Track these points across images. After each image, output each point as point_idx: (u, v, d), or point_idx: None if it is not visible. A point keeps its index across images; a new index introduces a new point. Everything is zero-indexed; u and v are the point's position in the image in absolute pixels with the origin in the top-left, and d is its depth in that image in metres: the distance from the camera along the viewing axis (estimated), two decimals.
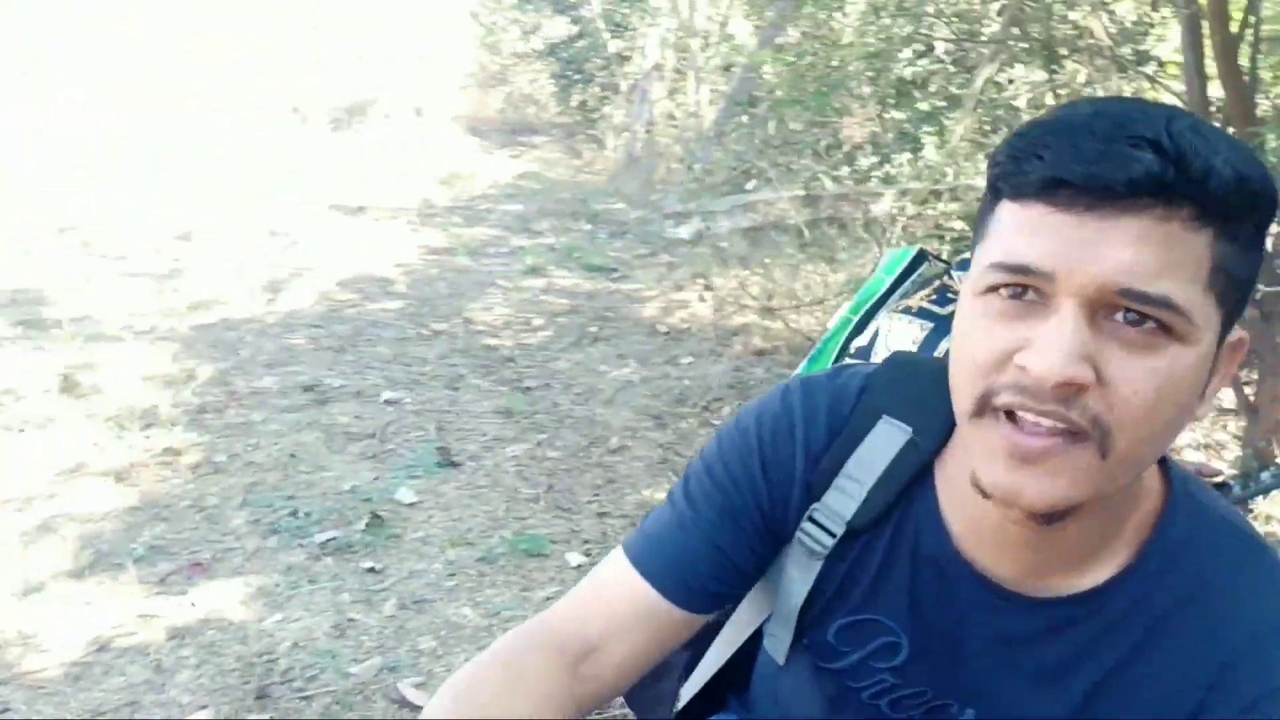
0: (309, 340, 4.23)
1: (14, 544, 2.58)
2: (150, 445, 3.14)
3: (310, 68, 10.01)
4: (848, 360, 1.46)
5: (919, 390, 0.79)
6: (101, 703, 2.06)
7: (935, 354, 1.28)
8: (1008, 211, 0.64)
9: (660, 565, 0.83)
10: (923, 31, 4.56)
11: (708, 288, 5.07)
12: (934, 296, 1.62)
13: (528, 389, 3.87)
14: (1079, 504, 0.65)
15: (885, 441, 0.79)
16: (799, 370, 1.36)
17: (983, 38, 4.55)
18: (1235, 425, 3.47)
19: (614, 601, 0.84)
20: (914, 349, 1.26)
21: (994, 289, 0.64)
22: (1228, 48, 2.70)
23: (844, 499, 0.80)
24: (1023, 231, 0.63)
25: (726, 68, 8.23)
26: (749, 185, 5.59)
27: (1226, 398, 3.22)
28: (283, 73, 9.65)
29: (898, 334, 1.55)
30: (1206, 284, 0.62)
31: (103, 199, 6.30)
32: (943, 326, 1.59)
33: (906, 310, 1.59)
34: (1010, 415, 0.64)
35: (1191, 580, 0.73)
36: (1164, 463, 0.77)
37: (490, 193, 7.79)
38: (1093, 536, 0.73)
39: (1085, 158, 0.60)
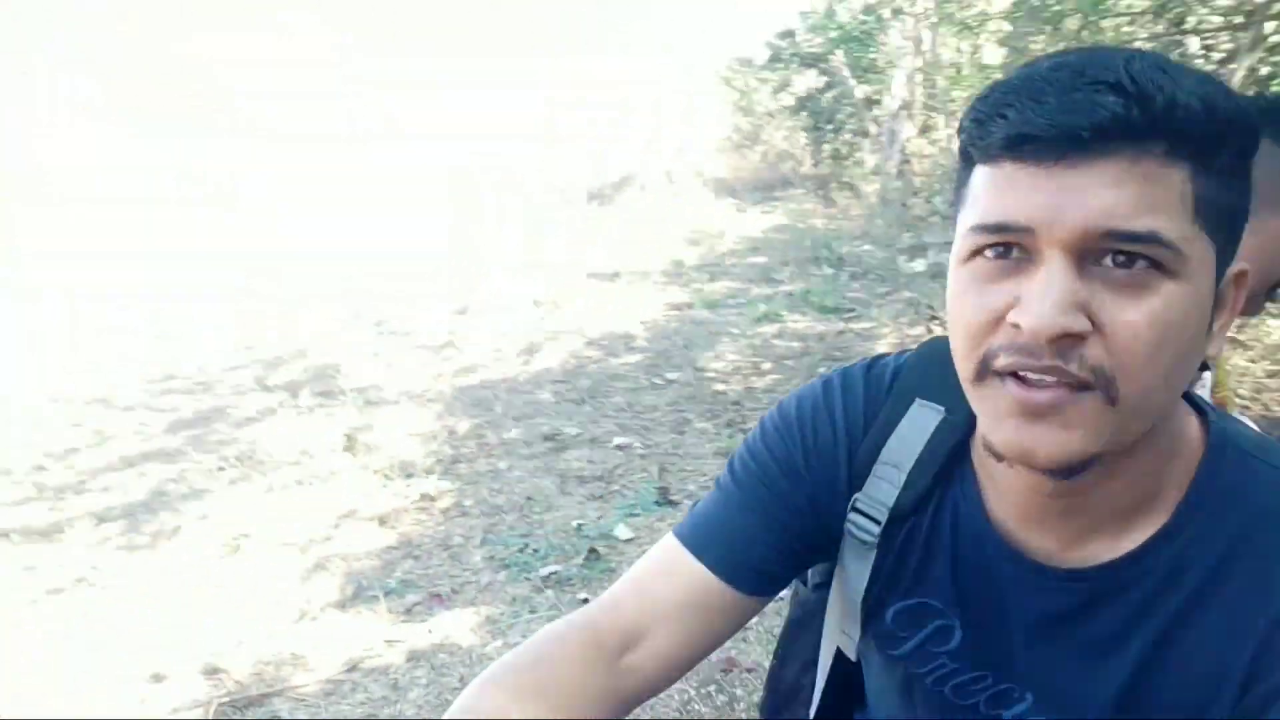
0: (554, 395, 4.55)
1: (294, 579, 2.99)
2: (410, 493, 3.51)
3: (572, 146, 10.78)
4: None
5: (950, 371, 0.74)
6: (346, 715, 2.34)
7: None
8: (980, 175, 0.65)
9: (707, 541, 0.84)
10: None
11: (934, 318, 4.91)
12: None
13: (748, 431, 3.91)
14: (1094, 456, 0.63)
15: (920, 424, 0.79)
16: None
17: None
18: None
19: (661, 586, 0.84)
20: None
21: (977, 252, 0.64)
22: None
23: (885, 485, 0.80)
24: (997, 190, 0.63)
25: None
26: None
27: None
28: (545, 154, 10.45)
29: None
30: (1192, 217, 0.60)
31: (392, 281, 7.11)
32: None
33: None
34: (1006, 375, 0.63)
35: (1236, 533, 0.69)
36: (1204, 413, 0.74)
37: (737, 248, 7.97)
38: (1125, 497, 0.71)
39: (1048, 110, 0.59)
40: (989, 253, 0.64)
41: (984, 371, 0.65)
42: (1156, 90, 0.58)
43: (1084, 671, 0.75)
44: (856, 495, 0.81)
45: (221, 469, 3.79)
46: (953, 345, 0.69)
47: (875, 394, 0.82)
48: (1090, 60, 0.60)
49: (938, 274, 5.29)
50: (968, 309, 0.65)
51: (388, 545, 3.17)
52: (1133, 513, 0.71)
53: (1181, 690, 0.71)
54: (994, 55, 8.26)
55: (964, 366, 0.67)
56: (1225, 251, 0.64)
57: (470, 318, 6.25)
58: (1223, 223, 0.63)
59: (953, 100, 8.27)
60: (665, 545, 0.86)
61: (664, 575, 0.84)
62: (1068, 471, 0.64)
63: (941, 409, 0.79)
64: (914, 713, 0.86)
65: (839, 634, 0.91)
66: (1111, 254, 0.60)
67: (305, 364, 5.30)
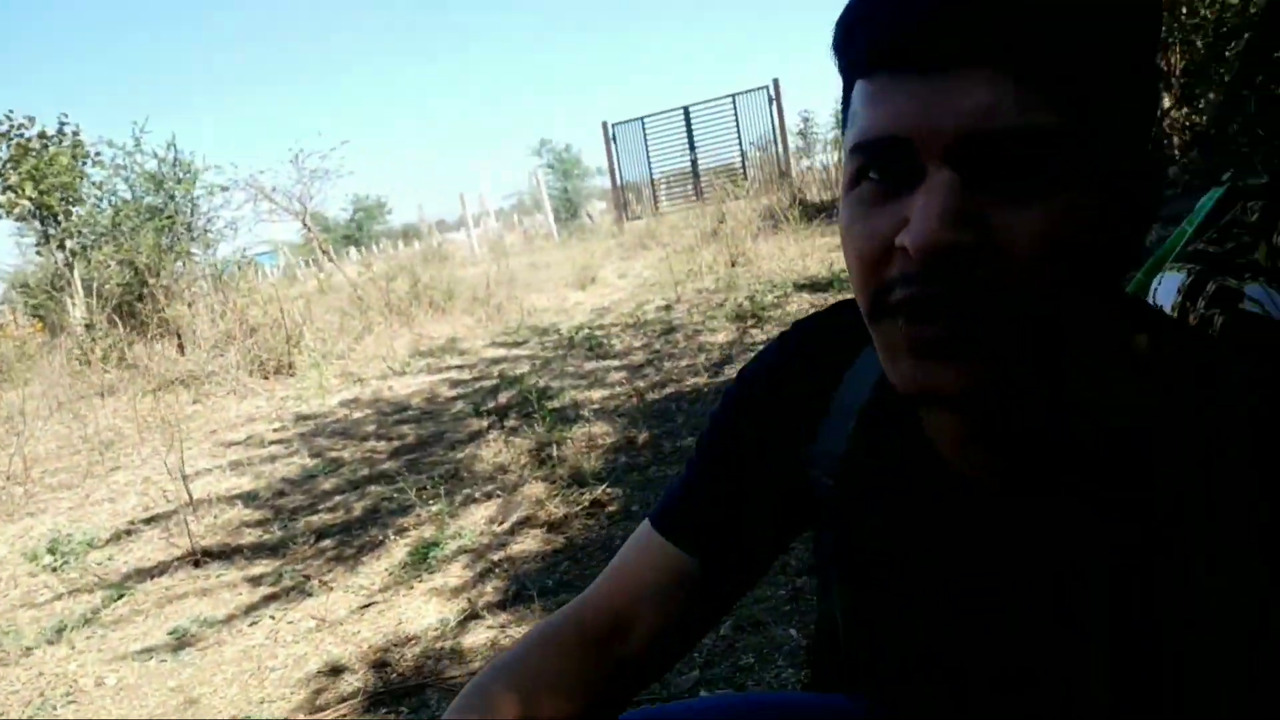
0: None
1: (467, 582, 3.16)
2: (582, 500, 3.62)
3: None
4: None
5: None
6: None
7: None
8: (858, 91, 0.59)
9: (676, 520, 0.82)
10: None
11: None
12: (1215, 235, 1.33)
13: None
14: (1006, 381, 0.56)
15: (867, 369, 0.75)
16: None
17: None
18: None
19: (639, 572, 0.83)
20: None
21: (861, 175, 0.59)
22: None
23: (833, 438, 0.76)
24: (874, 105, 0.57)
25: None
26: None
27: None
28: None
29: (1166, 288, 1.31)
30: (1075, 106, 0.53)
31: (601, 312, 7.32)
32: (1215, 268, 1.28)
33: (1187, 255, 1.29)
34: (902, 307, 0.57)
35: (1189, 403, 0.61)
36: (1149, 313, 0.66)
37: None
38: (1069, 410, 0.64)
39: (919, 15, 0.54)
40: (873, 174, 0.58)
41: (879, 307, 0.58)
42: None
43: (1068, 600, 0.65)
44: (810, 446, 0.77)
45: (423, 489, 4.08)
46: (851, 280, 0.62)
47: (830, 342, 0.78)
48: None
49: None
50: (857, 237, 0.59)
51: (555, 549, 3.28)
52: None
53: (1187, 599, 0.60)
54: None
55: (861, 301, 0.61)
56: (1130, 141, 0.57)
57: (675, 336, 6.35)
58: (1119, 109, 0.55)
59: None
60: (640, 530, 0.85)
61: (640, 561, 0.83)
62: (978, 403, 0.57)
63: None
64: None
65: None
66: (997, 159, 0.53)
67: (517, 389, 5.60)
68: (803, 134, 19.91)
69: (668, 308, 7.44)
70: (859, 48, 0.58)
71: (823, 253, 8.56)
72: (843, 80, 0.62)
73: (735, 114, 16.59)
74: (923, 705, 0.74)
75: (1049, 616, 0.64)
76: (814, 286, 7.03)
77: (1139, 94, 0.57)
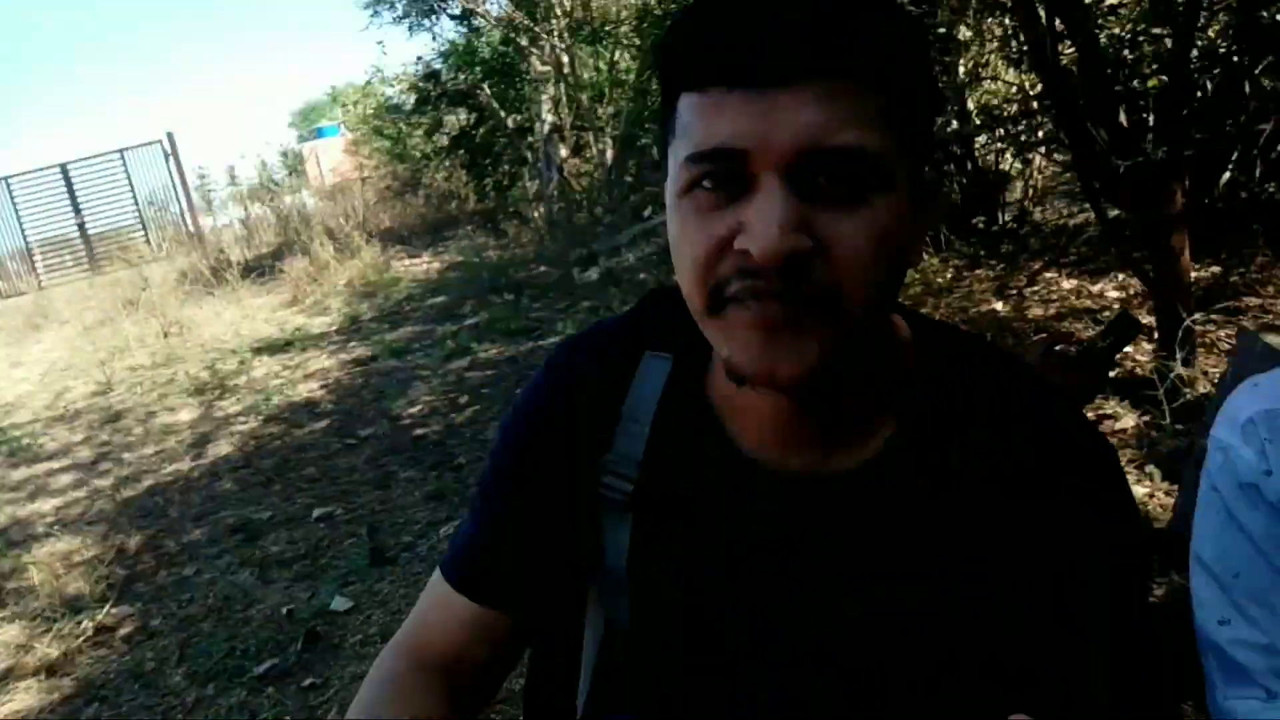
0: (235, 483, 4.15)
1: None
2: (83, 629, 3.04)
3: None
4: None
5: (674, 318, 0.74)
6: None
7: None
8: (688, 103, 0.63)
9: (464, 570, 0.82)
10: None
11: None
12: None
13: (459, 466, 3.78)
14: (829, 369, 0.63)
15: (653, 376, 0.78)
16: None
17: None
18: None
19: (443, 620, 0.82)
20: None
21: (695, 183, 0.63)
22: None
23: (630, 442, 0.77)
24: (708, 117, 0.61)
25: (615, 114, 8.30)
26: (646, 213, 5.57)
27: None
28: None
29: None
30: (889, 129, 0.61)
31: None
32: None
33: None
34: (737, 302, 0.62)
35: (959, 406, 0.71)
36: (906, 313, 0.77)
37: (414, 293, 7.75)
38: (860, 407, 0.72)
39: (753, 33, 0.59)
40: (706, 182, 0.62)
41: (717, 301, 0.63)
42: (850, 16, 0.59)
43: (853, 578, 0.72)
44: (605, 456, 0.77)
45: None
46: (681, 281, 0.66)
47: (604, 354, 0.80)
48: None
49: (610, 280, 5.40)
50: (692, 241, 0.63)
51: (66, 695, 2.71)
52: (867, 421, 0.72)
53: (950, 584, 0.69)
54: (630, 67, 8.66)
55: (695, 299, 0.65)
56: (919, 160, 0.65)
57: (124, 423, 5.60)
58: (916, 133, 0.64)
59: (599, 118, 8.53)
60: (433, 581, 0.84)
61: (440, 608, 0.83)
62: (808, 387, 0.64)
63: (669, 357, 0.78)
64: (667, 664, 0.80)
65: (607, 611, 0.82)
66: (824, 172, 0.60)
67: None
68: (201, 191, 18.64)
69: (101, 392, 6.50)
70: (697, 65, 0.62)
71: (267, 312, 8.15)
72: (665, 89, 0.66)
73: (126, 171, 14.97)
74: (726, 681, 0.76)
75: (852, 592, 0.71)
76: (273, 348, 6.68)
77: (930, 118, 0.69)
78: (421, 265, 9.07)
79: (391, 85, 12.44)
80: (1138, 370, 3.12)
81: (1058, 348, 3.07)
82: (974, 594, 0.69)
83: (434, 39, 11.05)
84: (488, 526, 0.81)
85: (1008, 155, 4.71)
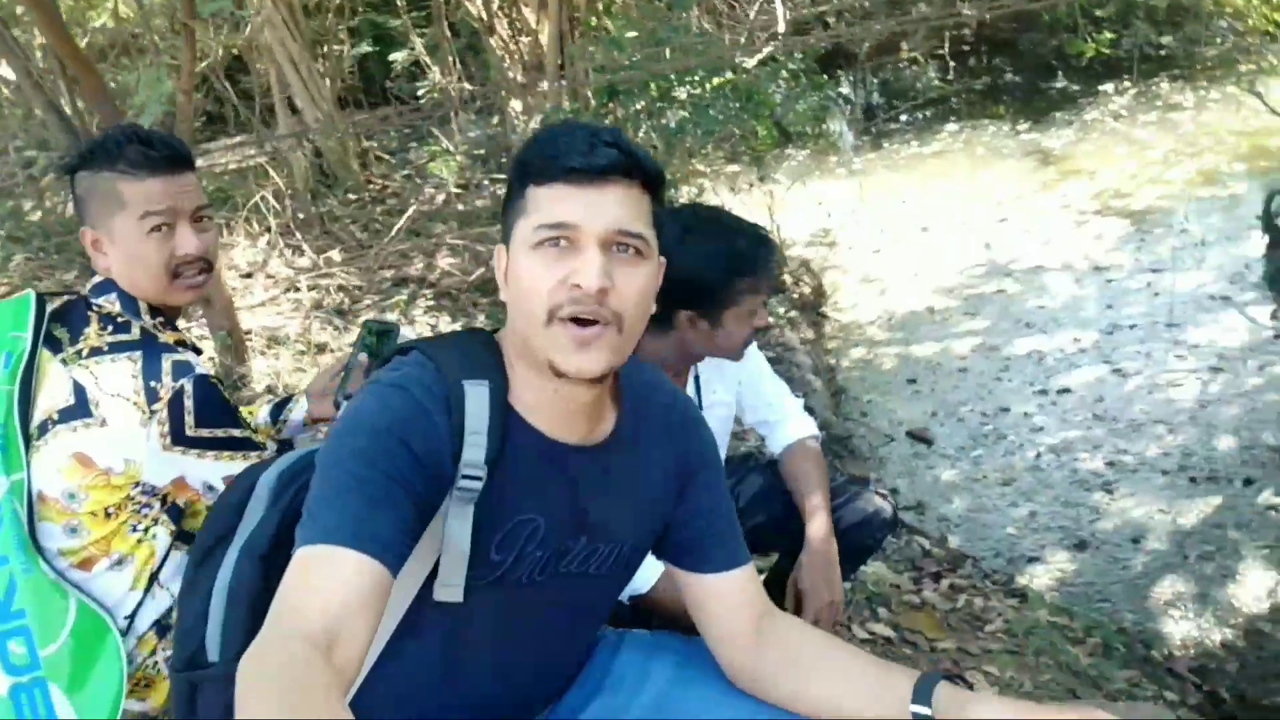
0: None
1: None
2: None
3: None
4: (63, 426, 1.48)
5: (469, 356, 1.10)
6: None
7: (162, 376, 1.47)
8: (538, 193, 1.05)
9: (364, 535, 0.95)
10: None
11: None
12: (108, 328, 1.54)
13: None
14: (611, 368, 1.06)
15: (478, 398, 1.08)
16: None
17: None
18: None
19: (339, 587, 0.92)
20: (139, 381, 1.46)
21: (542, 243, 1.04)
22: None
23: (476, 449, 1.06)
24: (556, 202, 1.04)
25: None
26: None
27: None
28: None
29: (110, 377, 1.50)
30: (651, 224, 1.09)
31: None
32: (149, 348, 1.52)
33: (96, 353, 1.51)
34: (565, 320, 1.02)
35: (645, 400, 1.22)
36: None
37: None
38: (605, 397, 1.16)
39: (583, 153, 1.03)
40: (549, 244, 1.03)
41: (551, 318, 1.03)
42: (635, 148, 1.06)
43: (610, 505, 1.17)
44: (461, 463, 1.05)
45: None
46: (524, 305, 1.05)
47: (435, 391, 1.06)
48: (594, 127, 1.07)
49: None
50: (540, 278, 1.03)
51: None
52: (606, 408, 1.17)
53: (657, 499, 1.22)
54: None
55: (535, 316, 1.04)
56: (658, 246, 1.11)
57: None
58: (660, 228, 1.11)
59: None
60: (316, 554, 0.94)
61: (337, 579, 0.92)
62: (600, 379, 1.06)
63: (485, 382, 1.09)
64: (503, 617, 1.14)
65: (439, 588, 1.08)
66: (619, 244, 1.05)
67: None
68: None
69: None
70: (550, 169, 1.04)
71: None
72: (516, 185, 1.08)
73: None
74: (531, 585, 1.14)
75: (607, 521, 1.17)
76: None
77: (661, 225, 1.12)
78: None
79: None
80: None
81: None
82: (662, 498, 1.22)
83: None
84: (370, 504, 0.97)
85: None
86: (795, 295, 5.52)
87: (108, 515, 1.49)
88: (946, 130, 9.14)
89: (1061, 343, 5.02)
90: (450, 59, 7.14)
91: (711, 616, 1.22)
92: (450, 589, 1.08)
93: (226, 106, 6.59)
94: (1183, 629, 3.20)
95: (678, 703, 1.21)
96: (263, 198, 4.89)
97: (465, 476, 1.05)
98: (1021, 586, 3.18)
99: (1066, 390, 4.60)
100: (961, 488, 4.04)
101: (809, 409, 4.26)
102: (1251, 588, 3.33)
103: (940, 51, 9.81)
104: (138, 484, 1.49)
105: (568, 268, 1.02)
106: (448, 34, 7.02)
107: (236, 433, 1.53)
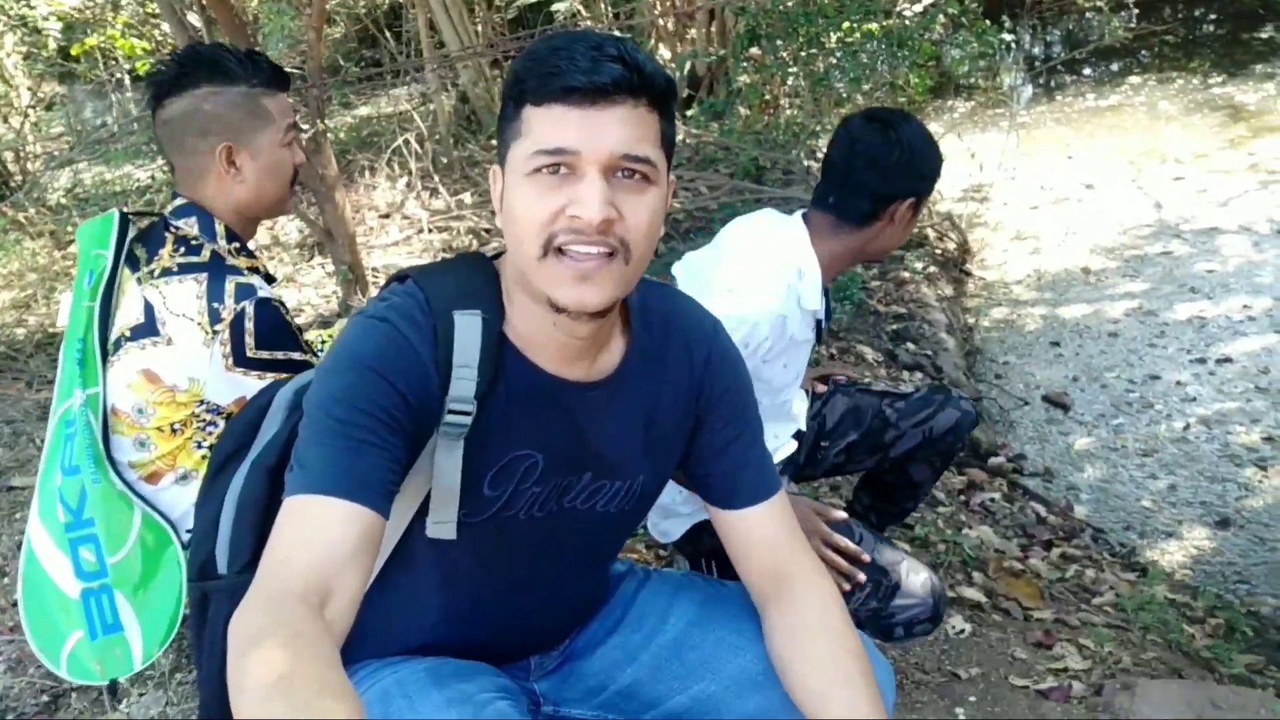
0: None
1: None
2: None
3: None
4: (134, 343, 1.53)
5: (463, 285, 1.04)
6: None
7: (225, 298, 1.50)
8: (534, 114, 0.95)
9: (354, 481, 0.92)
10: None
11: None
12: (181, 249, 1.56)
13: None
14: (615, 300, 1.00)
15: (469, 330, 1.01)
16: (62, 369, 1.53)
17: None
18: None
19: (331, 537, 0.89)
20: (203, 302, 1.50)
21: (539, 170, 0.95)
22: None
23: (465, 384, 1.00)
24: (552, 125, 0.94)
25: None
26: None
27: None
28: None
29: (176, 297, 1.53)
30: (660, 146, 0.99)
31: None
32: (216, 270, 1.55)
33: (166, 273, 1.55)
34: (563, 251, 0.95)
35: (661, 330, 1.15)
36: None
37: None
38: (610, 330, 1.09)
39: (585, 70, 0.92)
40: (546, 170, 0.94)
41: (547, 249, 0.95)
42: (643, 63, 0.94)
43: (619, 437, 1.12)
44: (448, 397, 1.00)
45: None
46: (518, 236, 0.97)
47: (421, 322, 1.00)
48: (597, 39, 0.94)
49: None
50: (535, 208, 0.95)
51: None
52: (613, 340, 1.11)
53: (669, 433, 1.17)
54: None
55: (529, 248, 0.96)
56: (669, 169, 1.04)
57: None
58: (670, 149, 1.03)
59: None
60: (303, 504, 0.91)
61: (328, 530, 0.89)
62: (604, 312, 0.99)
63: (478, 313, 1.02)
64: (502, 553, 1.11)
65: (430, 525, 1.04)
66: (624, 170, 0.96)
67: None
68: None
69: None
70: (545, 89, 0.93)
71: None
72: (511, 104, 0.98)
73: None
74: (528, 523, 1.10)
75: (618, 457, 1.12)
76: None
77: (674, 137, 1.03)
78: None
79: None
80: None
81: None
82: (675, 433, 1.18)
83: None
84: (354, 448, 0.93)
85: None
86: (938, 251, 5.28)
87: (174, 431, 1.54)
88: (1128, 83, 8.48)
89: (1229, 309, 4.61)
90: (604, 6, 7.14)
91: (733, 551, 1.19)
92: (442, 526, 1.04)
93: (383, 53, 6.82)
94: None
95: (695, 644, 1.20)
96: (405, 141, 5.03)
97: (452, 411, 1.00)
98: (1141, 561, 2.96)
99: (1227, 360, 4.23)
100: (1096, 456, 3.79)
101: (937, 368, 4.14)
102: None
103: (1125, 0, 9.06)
104: (202, 402, 1.53)
105: (566, 197, 0.94)
106: None
107: (297, 356, 1.55)
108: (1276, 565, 3.14)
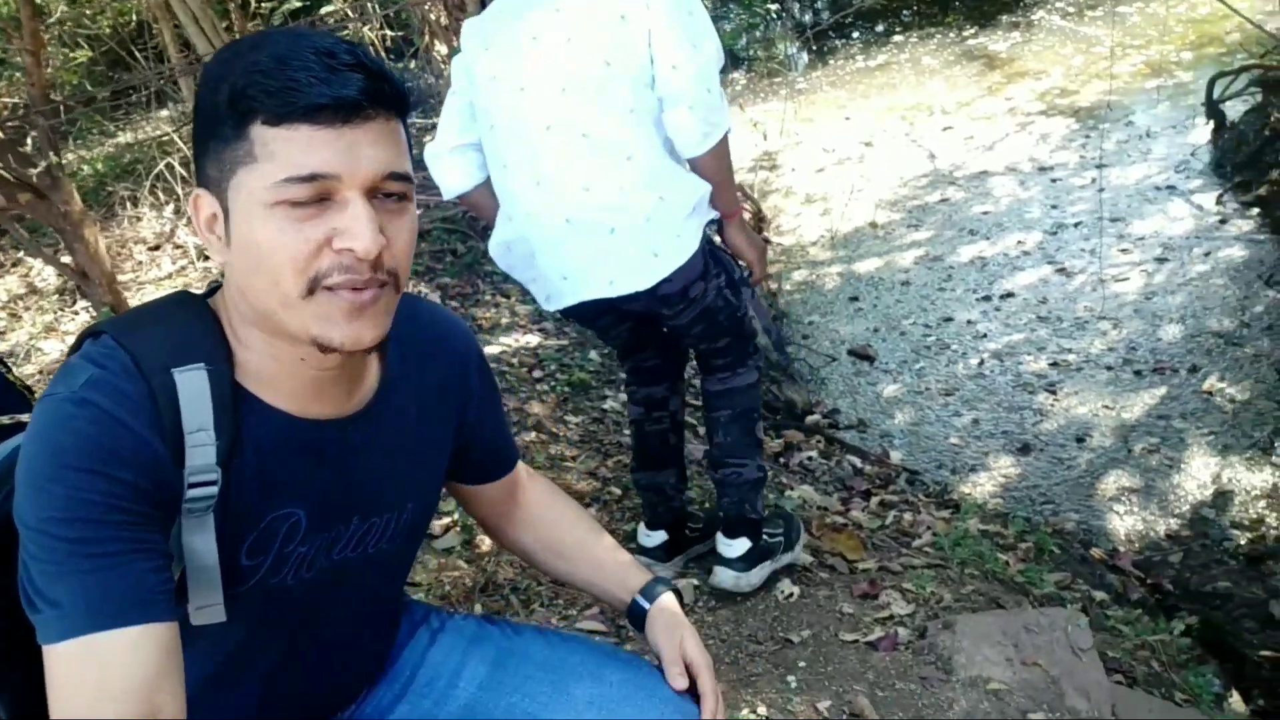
0: None
1: None
2: None
3: None
4: None
5: (176, 334, 0.88)
6: None
7: None
8: (271, 135, 0.81)
9: (123, 605, 0.80)
10: None
11: None
12: None
13: None
14: (387, 331, 0.90)
15: (193, 387, 0.86)
16: None
17: None
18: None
19: (127, 674, 0.79)
20: None
21: (287, 201, 0.81)
22: None
23: (202, 450, 0.86)
24: (300, 148, 0.80)
25: None
26: None
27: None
28: None
29: None
30: (408, 154, 0.89)
31: None
32: None
33: None
34: (330, 289, 0.83)
35: (414, 346, 1.05)
36: None
37: None
38: (365, 359, 0.98)
39: (328, 83, 0.80)
40: (297, 200, 0.81)
41: (314, 288, 0.83)
42: (383, 70, 0.84)
43: (386, 469, 1.02)
44: (184, 471, 0.86)
45: None
46: (269, 275, 0.83)
47: (132, 388, 0.84)
48: (326, 43, 0.82)
49: None
50: (290, 243, 0.82)
51: None
52: (368, 367, 1.00)
53: (438, 440, 1.10)
54: None
55: (286, 289, 0.83)
56: None
57: None
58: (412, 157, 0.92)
59: None
60: (80, 650, 0.79)
61: (118, 665, 0.79)
62: (379, 345, 0.89)
63: (200, 365, 0.87)
64: (274, 625, 0.99)
65: (194, 614, 0.91)
66: (384, 191, 0.85)
67: None
68: None
69: None
70: (288, 107, 0.79)
71: None
72: (232, 121, 0.81)
73: None
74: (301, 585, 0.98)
75: (380, 491, 1.02)
76: None
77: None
78: None
79: None
80: None
81: None
82: (443, 437, 1.11)
83: None
84: (105, 567, 0.80)
85: None
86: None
87: None
88: (893, 42, 8.89)
89: (1005, 247, 4.90)
90: (374, 7, 6.88)
91: (477, 509, 1.27)
92: (207, 611, 0.91)
93: (136, 75, 6.33)
94: (1127, 524, 3.12)
95: (487, 709, 1.13)
96: (168, 165, 4.67)
97: (194, 485, 0.86)
98: (955, 498, 3.08)
99: (1010, 295, 4.48)
100: (904, 402, 3.93)
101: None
102: (1196, 476, 3.25)
103: None
104: None
105: (326, 228, 0.82)
106: None
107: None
108: (1075, 482, 3.35)
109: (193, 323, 0.89)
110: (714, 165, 1.94)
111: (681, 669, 1.09)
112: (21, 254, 4.51)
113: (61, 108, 6.60)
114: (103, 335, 0.88)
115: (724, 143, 1.93)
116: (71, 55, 6.70)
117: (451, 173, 2.05)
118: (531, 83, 1.88)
